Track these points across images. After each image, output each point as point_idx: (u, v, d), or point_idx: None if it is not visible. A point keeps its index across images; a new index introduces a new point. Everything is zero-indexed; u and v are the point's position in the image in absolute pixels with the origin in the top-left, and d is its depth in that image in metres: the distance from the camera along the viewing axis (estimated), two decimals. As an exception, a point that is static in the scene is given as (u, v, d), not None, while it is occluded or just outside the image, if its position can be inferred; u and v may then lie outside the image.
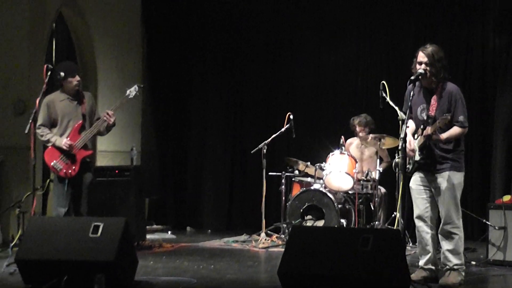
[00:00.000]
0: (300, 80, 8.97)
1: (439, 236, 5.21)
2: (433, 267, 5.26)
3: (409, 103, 5.13)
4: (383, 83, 5.80)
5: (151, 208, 9.04)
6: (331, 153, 7.53)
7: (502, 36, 7.83)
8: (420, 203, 5.25)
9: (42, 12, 7.81)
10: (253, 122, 9.11)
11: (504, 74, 7.78)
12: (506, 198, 6.39)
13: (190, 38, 9.39)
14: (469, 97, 7.33)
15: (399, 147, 5.11)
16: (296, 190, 7.63)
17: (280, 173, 7.82)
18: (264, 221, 7.65)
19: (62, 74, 6.09)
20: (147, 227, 7.97)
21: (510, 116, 7.69)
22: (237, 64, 9.27)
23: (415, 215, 5.29)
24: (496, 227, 6.14)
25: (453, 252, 5.14)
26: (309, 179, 7.71)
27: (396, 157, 6.91)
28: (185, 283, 5.16)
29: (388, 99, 5.85)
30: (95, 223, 4.83)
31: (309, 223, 7.25)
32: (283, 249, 4.94)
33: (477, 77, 8.04)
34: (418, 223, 5.27)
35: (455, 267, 5.13)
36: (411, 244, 6.90)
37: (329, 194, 7.24)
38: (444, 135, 5.07)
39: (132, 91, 6.32)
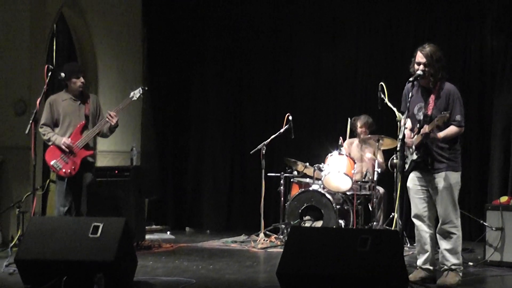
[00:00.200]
0: (299, 81, 8.98)
1: (437, 235, 5.23)
2: (431, 267, 5.28)
3: (408, 103, 5.16)
4: (381, 84, 5.82)
5: (150, 209, 9.06)
6: (329, 154, 7.55)
7: (500, 37, 7.85)
8: (418, 203, 5.27)
9: (43, 13, 7.83)
10: (252, 123, 9.12)
11: (501, 75, 7.80)
12: (504, 199, 6.42)
13: (190, 39, 9.41)
14: (467, 98, 7.34)
15: (398, 148, 5.14)
16: (295, 191, 7.66)
17: (279, 174, 7.84)
18: (263, 221, 7.67)
19: (63, 74, 6.14)
20: (147, 227, 7.98)
21: (508, 117, 7.71)
22: (237, 65, 9.29)
23: (412, 214, 5.31)
24: (494, 228, 6.16)
25: (451, 251, 5.16)
26: (307, 180, 7.73)
27: (395, 157, 6.98)
28: (184, 283, 5.18)
29: (386, 100, 5.88)
30: (95, 223, 4.85)
31: (307, 224, 7.28)
32: (281, 250, 4.96)
33: (475, 78, 8.05)
34: (417, 222, 5.29)
35: (453, 266, 5.15)
36: (409, 245, 6.92)
37: (327, 195, 7.27)
38: (441, 134, 5.09)
39: (136, 93, 6.35)
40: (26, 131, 5.89)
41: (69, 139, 6.06)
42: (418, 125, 5.15)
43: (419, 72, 5.12)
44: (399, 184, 5.25)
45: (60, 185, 6.08)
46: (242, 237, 7.89)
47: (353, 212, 7.33)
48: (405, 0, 8.49)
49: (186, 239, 8.14)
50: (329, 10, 8.87)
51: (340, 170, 7.37)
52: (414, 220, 5.32)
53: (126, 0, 9.26)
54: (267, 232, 7.73)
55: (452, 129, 5.12)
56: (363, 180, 7.49)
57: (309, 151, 8.38)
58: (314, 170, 7.54)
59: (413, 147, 5.17)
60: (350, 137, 7.85)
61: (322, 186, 7.43)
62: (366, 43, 8.71)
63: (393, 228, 6.79)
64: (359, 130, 7.74)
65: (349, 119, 7.81)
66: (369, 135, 7.56)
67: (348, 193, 7.47)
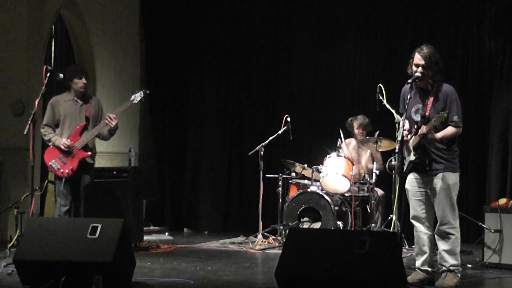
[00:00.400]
0: (297, 83, 8.99)
1: (436, 236, 5.23)
2: (429, 269, 5.28)
3: (406, 105, 5.17)
4: (380, 86, 5.82)
5: (148, 210, 9.06)
6: (328, 156, 7.55)
7: (498, 38, 7.85)
8: (416, 204, 5.27)
9: (41, 14, 7.83)
10: (250, 124, 9.13)
11: (500, 76, 7.80)
12: (502, 201, 6.41)
13: (188, 40, 9.41)
14: (465, 99, 7.37)
15: (396, 150, 5.15)
16: (293, 192, 7.65)
17: (277, 175, 7.84)
18: (261, 222, 7.67)
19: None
20: (145, 228, 7.98)
21: (506, 119, 7.71)
22: (235, 66, 9.29)
23: (411, 215, 5.32)
24: (492, 230, 6.15)
25: (450, 252, 5.16)
26: (306, 181, 7.73)
27: (393, 159, 6.98)
28: (182, 284, 5.18)
29: (385, 102, 5.88)
30: (93, 224, 4.85)
31: (305, 225, 7.27)
32: (279, 251, 4.96)
33: (473, 79, 8.06)
34: (415, 223, 5.30)
35: (451, 267, 5.15)
36: (407, 247, 6.93)
37: (325, 196, 7.27)
38: (438, 135, 5.10)
39: (137, 96, 6.36)
40: (25, 132, 5.89)
41: (69, 140, 6.07)
42: (415, 127, 5.15)
43: (417, 74, 5.13)
44: (397, 186, 5.25)
45: (58, 185, 6.10)
46: (240, 239, 7.89)
47: (351, 214, 7.33)
48: (403, 1, 8.50)
49: (184, 240, 8.14)
50: (328, 11, 8.88)
51: (338, 171, 7.37)
52: (413, 221, 5.32)
53: (124, 1, 9.27)
54: (265, 234, 7.73)
55: (449, 130, 5.13)
56: (361, 181, 7.49)
57: (307, 152, 8.39)
58: (312, 172, 7.54)
59: (411, 148, 5.17)
60: (345, 138, 7.85)
61: (320, 187, 7.43)
62: (364, 44, 8.72)
63: (391, 230, 6.78)
64: (355, 131, 7.74)
65: (347, 121, 7.80)
66: (367, 137, 7.56)
67: (346, 194, 7.47)
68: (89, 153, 6.21)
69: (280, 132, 7.75)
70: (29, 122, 5.85)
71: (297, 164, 7.80)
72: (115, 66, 9.06)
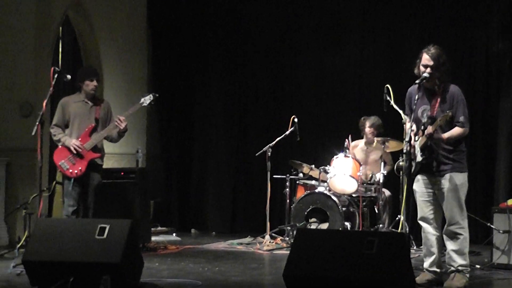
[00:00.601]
0: (304, 83, 8.98)
1: (444, 236, 5.22)
2: (437, 270, 5.27)
3: (413, 106, 5.16)
4: (387, 87, 5.82)
5: (156, 210, 9.06)
6: (335, 156, 7.54)
7: (505, 39, 7.83)
8: (424, 205, 5.26)
9: (48, 15, 7.86)
10: (257, 125, 9.12)
11: (508, 77, 7.78)
12: (511, 201, 6.39)
13: (195, 42, 9.42)
14: (473, 101, 7.33)
15: (404, 150, 5.14)
16: (301, 193, 7.65)
17: (284, 176, 7.84)
18: (268, 223, 7.66)
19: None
20: (152, 229, 7.99)
21: (514, 119, 7.70)
22: (242, 67, 9.29)
23: (419, 217, 5.31)
24: (501, 231, 6.13)
25: (458, 252, 5.15)
26: (313, 182, 7.72)
27: (400, 159, 6.97)
28: (190, 285, 5.18)
29: (392, 102, 5.87)
30: (101, 225, 4.86)
31: (313, 226, 7.27)
32: (287, 252, 4.97)
33: (481, 80, 8.03)
34: (423, 224, 5.29)
35: (459, 268, 5.14)
36: (415, 247, 6.91)
37: (333, 197, 7.26)
38: (445, 135, 5.09)
39: (146, 99, 6.39)
40: (33, 133, 5.90)
41: (78, 140, 6.10)
42: (422, 127, 5.14)
43: (425, 74, 5.12)
44: (405, 187, 5.24)
45: (67, 185, 6.13)
46: (248, 239, 7.88)
47: (359, 215, 7.33)
48: (409, 2, 8.48)
49: (192, 241, 8.14)
50: (334, 13, 8.86)
51: (346, 172, 7.36)
52: (421, 222, 5.31)
53: (131, 2, 9.28)
54: (273, 234, 7.73)
55: (456, 130, 5.12)
56: (369, 182, 7.48)
57: (315, 153, 8.38)
58: (320, 172, 7.53)
59: (418, 149, 5.16)
60: (353, 140, 7.83)
61: (327, 188, 7.42)
62: (370, 45, 8.70)
63: (399, 231, 6.77)
64: (367, 129, 7.70)
65: (360, 119, 7.78)
66: (375, 138, 7.55)
67: (353, 195, 7.46)
68: (98, 154, 6.24)
69: (287, 132, 7.74)
70: (37, 123, 5.87)
71: (304, 164, 7.79)
72: (122, 67, 9.07)
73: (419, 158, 5.17)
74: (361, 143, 7.86)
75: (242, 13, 9.29)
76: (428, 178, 5.23)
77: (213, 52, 9.37)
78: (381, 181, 7.35)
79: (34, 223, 6.07)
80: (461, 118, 5.11)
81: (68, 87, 7.47)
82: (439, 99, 5.16)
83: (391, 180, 7.58)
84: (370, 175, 7.55)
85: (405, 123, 5.37)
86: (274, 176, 7.88)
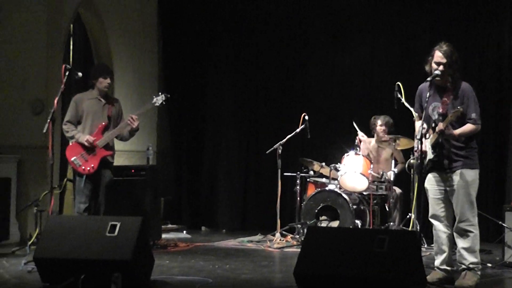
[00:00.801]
0: (314, 81, 8.96)
1: (454, 234, 5.19)
2: (448, 268, 5.25)
3: (424, 103, 5.14)
4: (398, 84, 5.80)
5: (166, 208, 9.07)
6: (346, 154, 7.53)
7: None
8: (435, 203, 5.24)
9: (59, 13, 7.88)
10: (268, 123, 9.11)
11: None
12: (522, 200, 6.36)
13: (205, 39, 9.41)
14: (485, 98, 7.28)
15: (415, 148, 5.11)
16: (311, 191, 7.64)
17: (295, 174, 7.83)
18: (279, 221, 7.66)
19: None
20: (163, 226, 8.00)
21: (527, 118, 7.65)
22: (252, 65, 9.28)
23: (430, 214, 5.29)
24: (512, 229, 6.11)
25: (469, 250, 5.12)
26: (324, 180, 7.71)
27: (411, 157, 6.94)
28: (200, 282, 5.19)
29: (403, 100, 5.84)
30: (112, 222, 4.88)
31: (323, 224, 7.26)
32: (297, 249, 4.97)
33: (493, 78, 7.98)
34: (434, 222, 5.27)
35: (470, 265, 5.11)
36: (426, 246, 6.88)
37: (344, 195, 7.24)
38: (457, 131, 5.08)
39: (158, 99, 6.43)
40: (44, 130, 5.93)
41: (92, 137, 6.13)
42: (433, 124, 5.12)
43: (437, 72, 5.10)
44: (416, 184, 5.22)
45: (79, 182, 6.15)
46: (258, 237, 7.88)
47: (369, 212, 7.31)
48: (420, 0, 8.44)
49: (202, 238, 8.15)
50: (344, 11, 8.84)
51: (357, 170, 7.34)
52: (432, 220, 5.29)
53: (142, 0, 9.30)
54: (283, 232, 7.72)
55: (468, 127, 5.10)
56: (380, 180, 7.46)
57: (325, 151, 8.36)
58: (330, 170, 7.52)
59: (429, 146, 5.14)
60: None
61: (338, 186, 7.41)
62: (381, 42, 8.67)
63: (410, 229, 6.75)
64: (378, 128, 7.68)
65: (371, 119, 7.75)
66: (386, 136, 7.52)
67: (364, 193, 7.44)
68: (110, 152, 6.28)
69: (298, 130, 7.73)
70: (48, 120, 5.90)
71: (315, 162, 7.78)
72: (133, 64, 9.09)
73: (430, 155, 5.15)
74: (372, 141, 7.83)
75: (253, 11, 9.28)
76: (439, 176, 5.21)
77: (223, 50, 9.36)
78: (391, 179, 7.33)
79: (45, 220, 6.10)
80: (473, 115, 5.09)
81: (79, 85, 7.50)
82: (450, 96, 5.13)
83: (402, 178, 7.55)
84: (381, 173, 7.53)
85: (415, 120, 5.35)
86: (285, 173, 7.87)
